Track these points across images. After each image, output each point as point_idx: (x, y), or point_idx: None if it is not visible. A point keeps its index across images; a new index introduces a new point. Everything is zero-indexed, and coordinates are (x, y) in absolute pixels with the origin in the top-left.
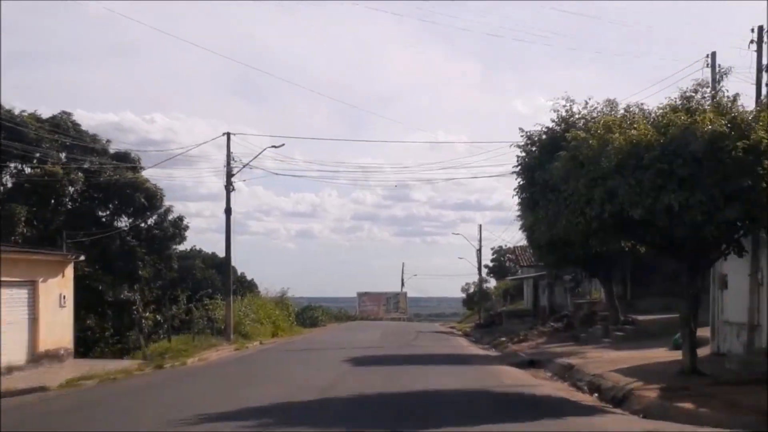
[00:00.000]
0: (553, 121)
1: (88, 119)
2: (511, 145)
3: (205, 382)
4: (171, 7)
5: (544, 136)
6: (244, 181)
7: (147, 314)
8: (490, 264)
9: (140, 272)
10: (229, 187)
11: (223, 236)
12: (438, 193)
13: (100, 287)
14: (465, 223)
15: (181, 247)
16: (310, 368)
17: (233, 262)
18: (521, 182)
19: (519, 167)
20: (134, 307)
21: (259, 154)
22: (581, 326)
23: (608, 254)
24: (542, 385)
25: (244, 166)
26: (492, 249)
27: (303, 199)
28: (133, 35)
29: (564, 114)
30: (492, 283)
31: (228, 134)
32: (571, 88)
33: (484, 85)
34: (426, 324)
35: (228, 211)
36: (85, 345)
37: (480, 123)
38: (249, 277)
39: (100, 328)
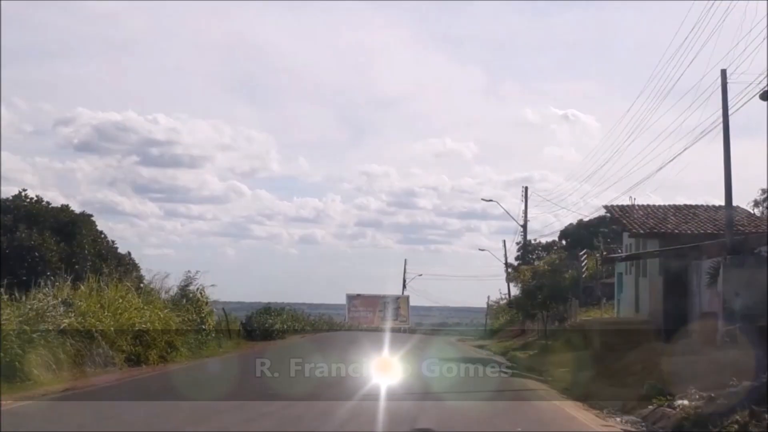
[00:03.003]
0: None
1: (90, 118)
2: None
3: None
4: (172, 5)
5: None
6: None
7: None
8: (515, 262)
9: None
10: None
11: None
12: (443, 200)
13: None
14: (470, 232)
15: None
16: None
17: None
18: None
19: None
20: None
21: None
22: None
23: None
24: None
25: None
26: (517, 243)
27: (306, 204)
28: (131, 32)
29: None
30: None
31: None
32: (578, 97)
33: (489, 93)
34: (437, 339)
35: None
36: None
37: (486, 130)
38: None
39: None
